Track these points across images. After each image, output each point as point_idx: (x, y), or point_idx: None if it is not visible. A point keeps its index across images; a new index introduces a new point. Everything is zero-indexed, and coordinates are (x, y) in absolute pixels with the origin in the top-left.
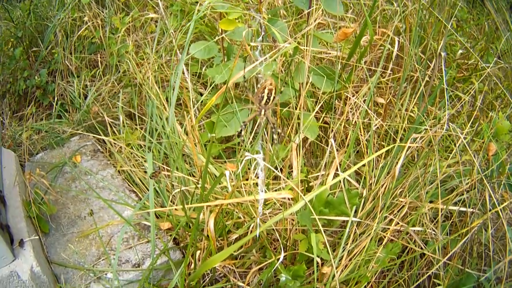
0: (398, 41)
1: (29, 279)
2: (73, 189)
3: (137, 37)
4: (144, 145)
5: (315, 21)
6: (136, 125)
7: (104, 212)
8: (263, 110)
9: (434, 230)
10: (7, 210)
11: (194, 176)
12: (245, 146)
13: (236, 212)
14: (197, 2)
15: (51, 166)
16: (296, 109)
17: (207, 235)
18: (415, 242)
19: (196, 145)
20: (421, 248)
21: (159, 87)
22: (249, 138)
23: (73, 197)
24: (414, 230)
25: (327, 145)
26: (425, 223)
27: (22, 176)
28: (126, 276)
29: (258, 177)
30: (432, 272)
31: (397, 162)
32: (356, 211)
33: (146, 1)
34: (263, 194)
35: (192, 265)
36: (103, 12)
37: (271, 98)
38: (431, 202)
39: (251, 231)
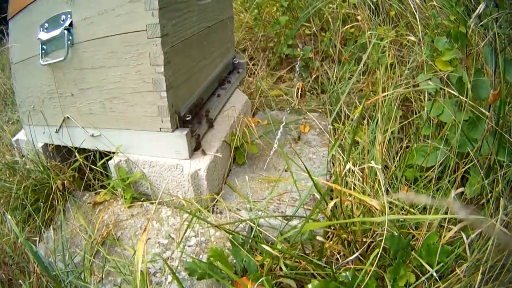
0: None
1: (189, 176)
2: (287, 148)
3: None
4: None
5: None
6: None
7: (296, 176)
8: None
9: None
10: (209, 130)
11: None
12: None
13: None
14: None
15: (275, 123)
16: None
17: None
18: None
19: None
20: None
21: None
22: None
23: (279, 152)
24: None
25: None
26: None
27: (245, 117)
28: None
29: None
30: None
31: None
32: None
33: (408, 18)
34: None
35: None
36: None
37: None
38: None
39: None
